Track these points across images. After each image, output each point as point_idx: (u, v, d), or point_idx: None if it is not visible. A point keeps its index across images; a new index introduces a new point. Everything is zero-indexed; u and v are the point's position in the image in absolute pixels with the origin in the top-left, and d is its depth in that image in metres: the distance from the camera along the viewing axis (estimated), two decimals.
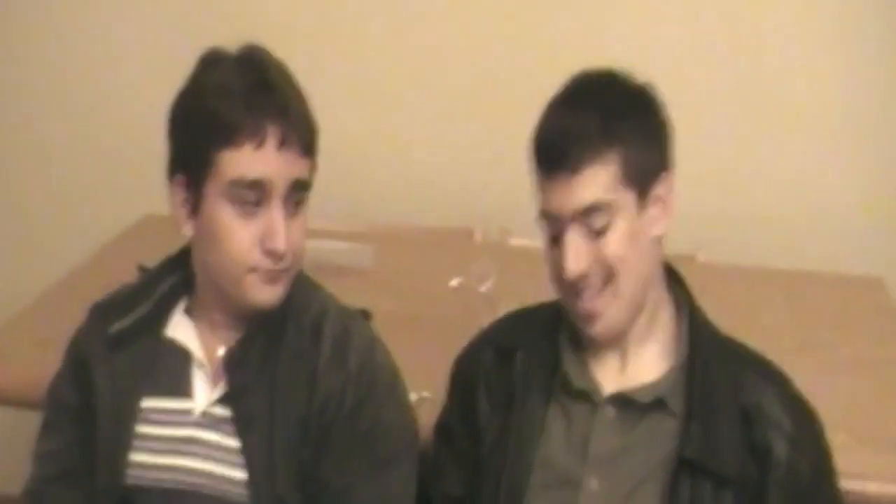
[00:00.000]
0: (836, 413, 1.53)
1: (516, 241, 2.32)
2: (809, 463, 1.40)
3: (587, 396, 1.46)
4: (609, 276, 1.41)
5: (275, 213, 1.43)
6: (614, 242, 1.40)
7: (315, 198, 1.47)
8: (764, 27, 2.47)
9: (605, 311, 1.42)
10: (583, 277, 1.41)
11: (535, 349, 1.50)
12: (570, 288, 1.43)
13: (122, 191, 2.69)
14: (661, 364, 1.46)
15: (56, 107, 2.81)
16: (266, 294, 1.47)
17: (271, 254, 1.44)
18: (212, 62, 1.48)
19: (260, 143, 1.41)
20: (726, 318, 1.54)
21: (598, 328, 1.44)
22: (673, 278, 1.52)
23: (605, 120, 1.41)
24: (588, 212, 1.40)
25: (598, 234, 1.40)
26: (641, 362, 1.47)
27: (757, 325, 2.01)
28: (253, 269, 1.45)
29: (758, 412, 1.40)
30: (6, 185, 2.90)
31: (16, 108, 2.84)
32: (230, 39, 1.49)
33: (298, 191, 1.46)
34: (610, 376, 1.47)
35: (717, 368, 1.43)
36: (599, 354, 1.48)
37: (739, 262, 2.41)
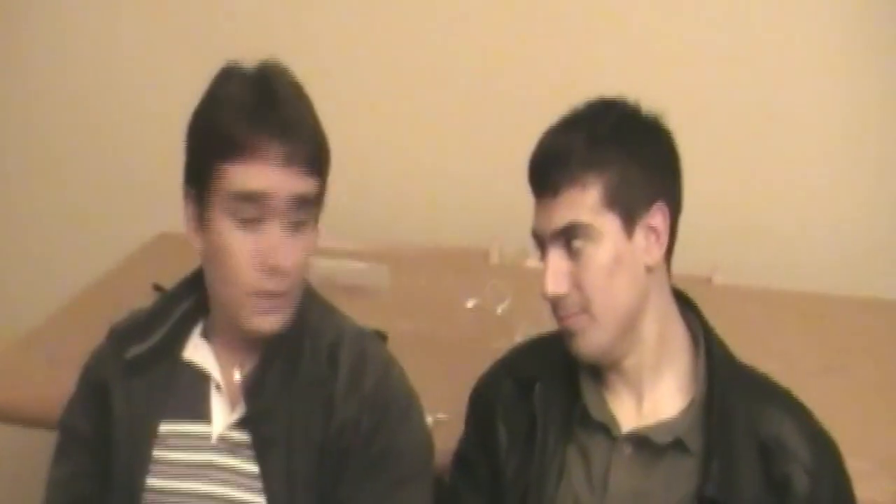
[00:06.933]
0: (858, 438, 1.51)
1: (532, 263, 2.30)
2: (829, 496, 1.37)
3: (605, 430, 1.44)
4: (586, 300, 1.40)
5: (275, 228, 1.42)
6: (593, 267, 1.39)
7: (331, 216, 1.46)
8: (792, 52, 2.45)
9: (583, 331, 1.41)
10: (559, 298, 1.41)
11: (554, 381, 1.48)
12: (552, 306, 1.43)
13: (136, 209, 2.69)
14: (678, 399, 1.44)
15: (70, 123, 2.81)
16: (265, 323, 1.46)
17: (273, 270, 1.41)
18: (226, 76, 1.47)
19: (262, 158, 1.40)
20: (744, 341, 1.52)
21: (577, 346, 1.43)
22: (687, 306, 1.50)
23: (590, 144, 1.40)
24: (565, 232, 1.39)
25: (578, 256, 1.39)
26: (658, 398, 1.44)
27: (776, 349, 1.99)
28: (251, 293, 1.43)
29: (777, 445, 1.38)
30: (19, 202, 2.90)
31: (29, 124, 2.84)
32: (248, 55, 1.48)
33: (300, 208, 1.43)
34: (627, 411, 1.45)
35: (736, 402, 1.40)
36: (615, 388, 1.46)
37: (757, 283, 2.38)
